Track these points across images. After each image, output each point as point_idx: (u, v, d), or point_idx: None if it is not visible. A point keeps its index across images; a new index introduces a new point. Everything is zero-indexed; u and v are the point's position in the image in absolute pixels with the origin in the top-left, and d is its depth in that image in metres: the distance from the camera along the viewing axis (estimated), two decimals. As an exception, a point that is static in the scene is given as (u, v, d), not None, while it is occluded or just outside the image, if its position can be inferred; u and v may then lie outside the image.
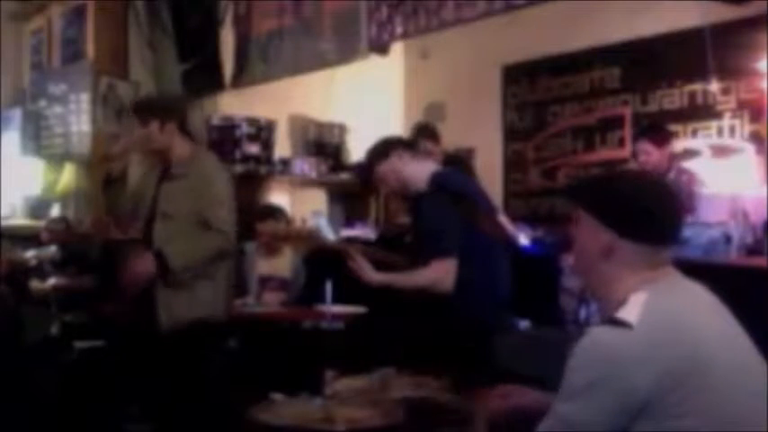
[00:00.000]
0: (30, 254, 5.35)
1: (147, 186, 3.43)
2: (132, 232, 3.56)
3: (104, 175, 3.34)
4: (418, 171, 3.12)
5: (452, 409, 2.08)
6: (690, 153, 5.05)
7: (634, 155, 4.87)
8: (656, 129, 4.96)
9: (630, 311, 1.47)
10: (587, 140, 6.18)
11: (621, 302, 1.52)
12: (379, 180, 3.20)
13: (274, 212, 4.87)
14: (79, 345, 4.47)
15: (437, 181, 3.06)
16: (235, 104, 5.92)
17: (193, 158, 3.38)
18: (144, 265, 3.15)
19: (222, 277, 3.33)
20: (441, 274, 2.91)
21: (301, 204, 6.36)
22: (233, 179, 3.60)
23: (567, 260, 4.07)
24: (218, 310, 3.34)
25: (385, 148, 3.19)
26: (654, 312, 1.47)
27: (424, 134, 4.85)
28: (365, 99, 6.83)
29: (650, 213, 1.58)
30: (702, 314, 1.54)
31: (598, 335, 1.48)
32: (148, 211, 3.36)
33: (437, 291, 2.91)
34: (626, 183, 1.68)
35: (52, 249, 5.34)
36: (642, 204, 1.59)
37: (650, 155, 4.59)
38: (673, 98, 5.65)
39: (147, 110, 3.44)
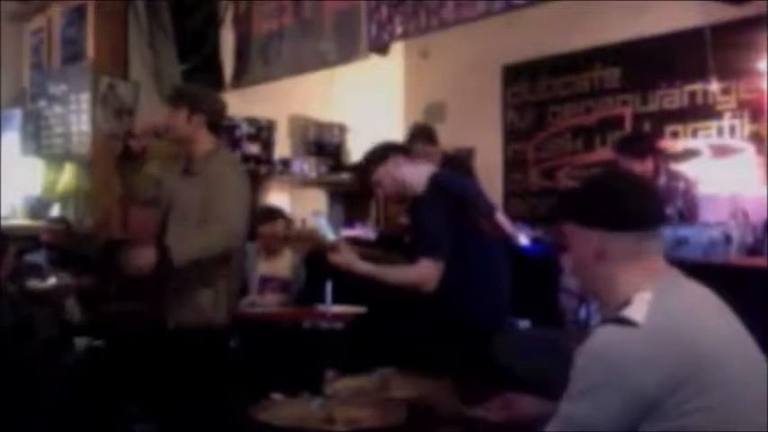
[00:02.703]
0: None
1: (168, 179, 3.42)
2: (150, 219, 3.55)
3: (122, 150, 3.29)
4: (414, 174, 3.11)
5: (452, 409, 2.08)
6: (690, 153, 5.05)
7: (617, 164, 4.60)
8: (634, 143, 4.72)
9: (636, 310, 1.47)
10: (587, 140, 6.19)
11: (626, 302, 1.52)
12: (376, 183, 3.20)
13: (274, 214, 4.88)
14: (79, 345, 4.47)
15: (436, 182, 3.06)
16: (235, 104, 5.91)
17: (213, 154, 3.36)
18: (145, 257, 3.06)
19: (223, 284, 3.29)
20: (426, 274, 2.89)
21: (301, 204, 6.36)
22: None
23: (567, 260, 4.05)
24: (219, 315, 3.33)
25: (383, 153, 3.19)
26: (659, 312, 1.47)
27: (419, 136, 4.85)
28: (365, 99, 6.84)
29: (624, 198, 1.59)
30: (708, 314, 1.54)
31: (605, 335, 1.47)
32: (166, 205, 3.36)
33: (420, 290, 2.90)
34: (594, 181, 1.78)
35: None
36: (613, 192, 1.61)
37: (632, 168, 4.29)
38: (673, 98, 5.65)
39: (179, 97, 3.44)
